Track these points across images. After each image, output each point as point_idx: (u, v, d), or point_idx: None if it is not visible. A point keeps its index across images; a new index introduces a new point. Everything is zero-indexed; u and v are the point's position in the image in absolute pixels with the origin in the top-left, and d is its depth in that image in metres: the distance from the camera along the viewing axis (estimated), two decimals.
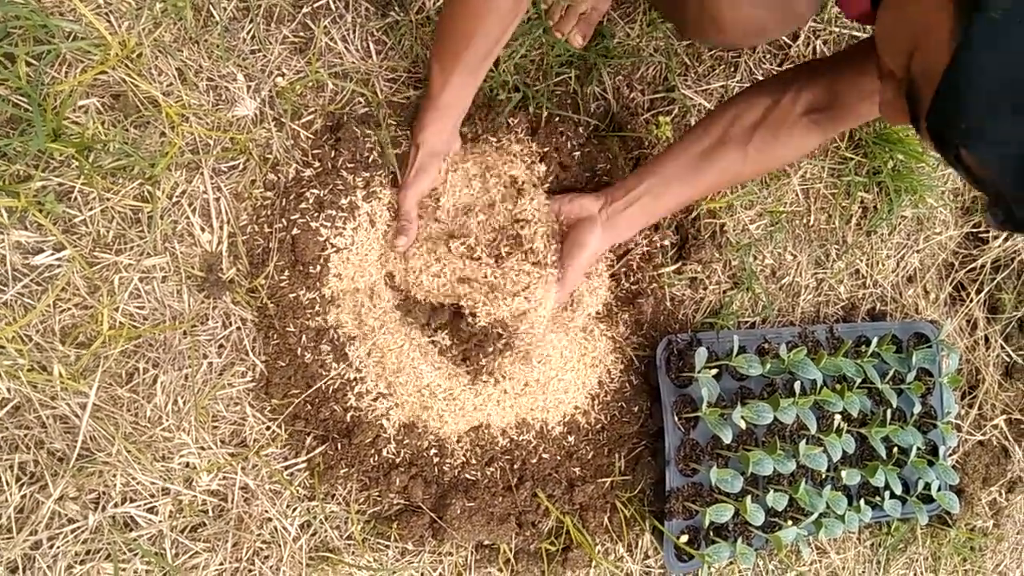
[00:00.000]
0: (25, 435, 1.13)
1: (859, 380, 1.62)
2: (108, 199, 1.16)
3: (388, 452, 1.32)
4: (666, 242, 1.51)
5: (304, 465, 1.29)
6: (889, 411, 1.65)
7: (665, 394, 1.45)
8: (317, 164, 1.29)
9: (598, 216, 1.34)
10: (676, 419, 1.46)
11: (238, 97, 1.24)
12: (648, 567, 1.54)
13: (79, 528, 1.15)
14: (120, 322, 1.18)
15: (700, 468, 1.47)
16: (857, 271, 1.81)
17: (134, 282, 1.19)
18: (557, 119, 1.42)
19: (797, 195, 1.70)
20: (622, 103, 1.52)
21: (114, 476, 1.17)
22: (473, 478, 1.37)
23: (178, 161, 1.20)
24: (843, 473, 1.57)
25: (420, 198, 1.33)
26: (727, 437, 1.42)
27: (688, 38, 1.52)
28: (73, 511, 1.15)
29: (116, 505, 1.17)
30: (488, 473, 1.38)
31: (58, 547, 1.14)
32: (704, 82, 1.60)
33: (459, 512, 1.33)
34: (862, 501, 1.62)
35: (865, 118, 1.25)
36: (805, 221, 1.72)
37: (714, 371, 1.47)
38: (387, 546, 1.34)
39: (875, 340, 1.65)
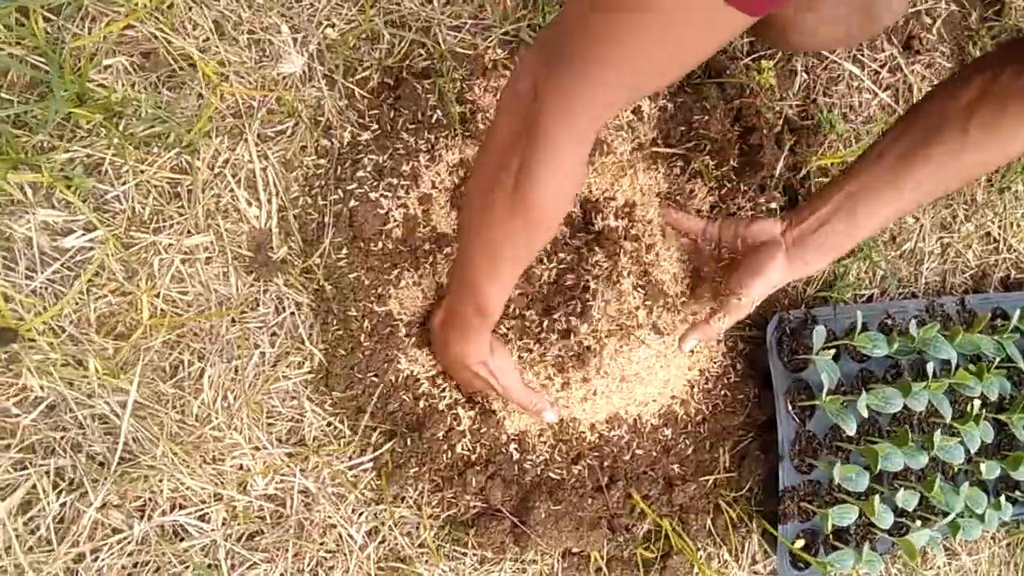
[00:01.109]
0: (61, 438, 1.01)
1: (998, 359, 1.41)
2: (142, 171, 1.03)
3: (463, 448, 1.17)
4: (773, 204, 1.31)
5: (370, 465, 1.15)
6: None
7: (777, 380, 1.26)
8: (375, 126, 1.13)
9: (782, 240, 1.09)
10: (789, 408, 1.28)
11: (283, 52, 1.09)
12: (756, 573, 1.37)
13: (124, 539, 1.04)
14: (161, 309, 1.05)
15: (818, 464, 1.28)
16: (988, 234, 1.58)
17: (175, 264, 1.06)
18: None
19: None
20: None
21: (160, 481, 1.05)
22: (558, 477, 1.21)
23: (219, 126, 1.06)
24: (982, 466, 1.36)
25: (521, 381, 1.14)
26: (851, 428, 1.22)
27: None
28: (117, 520, 1.03)
29: (164, 513, 1.05)
30: (575, 472, 1.22)
31: (103, 560, 1.02)
32: None
33: (543, 516, 1.18)
34: (1002, 497, 1.41)
35: None
36: None
37: (831, 352, 1.27)
38: (464, 554, 1.19)
39: (1017, 312, 1.42)
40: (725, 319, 1.12)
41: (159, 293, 1.05)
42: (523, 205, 0.80)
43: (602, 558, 1.24)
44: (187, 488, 1.06)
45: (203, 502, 1.07)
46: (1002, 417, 1.41)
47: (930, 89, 1.11)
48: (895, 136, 1.02)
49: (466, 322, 1.01)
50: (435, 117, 1.15)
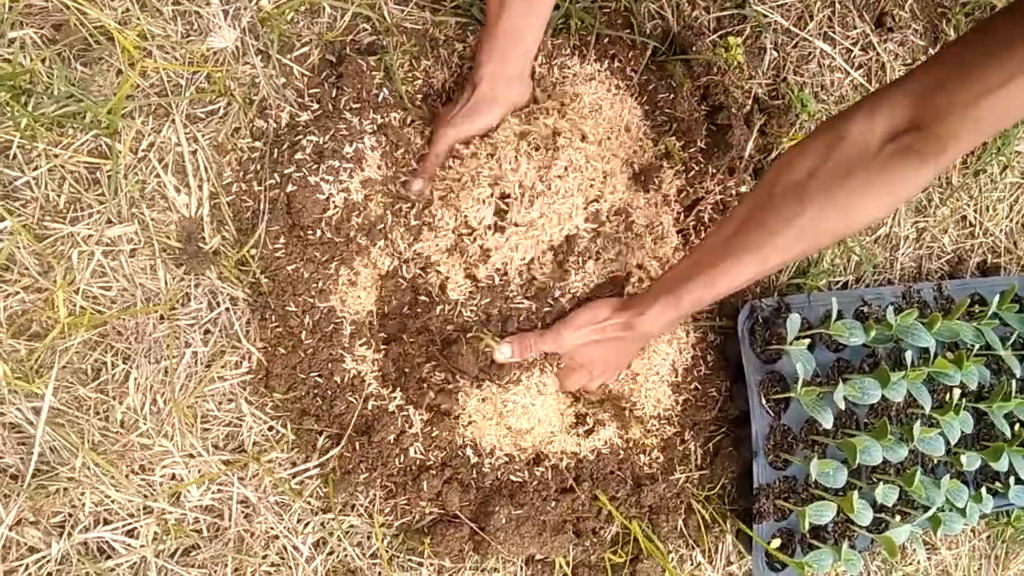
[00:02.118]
0: None
1: (976, 347, 1.35)
2: (56, 155, 0.94)
3: (416, 451, 1.09)
4: (743, 188, 1.24)
5: (316, 471, 1.07)
6: (1013, 382, 1.38)
7: (749, 371, 1.19)
8: (315, 106, 1.05)
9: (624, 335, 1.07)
10: (763, 401, 1.21)
11: (213, 25, 1.01)
12: (731, 574, 1.30)
13: (42, 558, 0.95)
14: (81, 307, 0.96)
15: (793, 459, 1.22)
16: (964, 218, 1.53)
17: (96, 257, 0.97)
18: (607, 40, 1.17)
19: None
20: (684, 22, 1.25)
21: (81, 494, 0.96)
22: (519, 480, 1.14)
23: (142, 106, 0.98)
24: (963, 458, 1.31)
25: (456, 142, 1.09)
26: (827, 421, 1.16)
27: None
28: (33, 538, 0.94)
29: (86, 529, 0.96)
30: (537, 473, 1.15)
31: None
32: None
33: (504, 521, 1.10)
34: (983, 489, 1.36)
35: (977, 139, 0.80)
36: None
37: (806, 342, 1.21)
38: (420, 564, 1.11)
39: (995, 298, 1.37)
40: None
41: (78, 289, 0.96)
42: None
43: (568, 564, 1.17)
44: (112, 501, 0.97)
45: (131, 516, 0.98)
46: (981, 406, 1.36)
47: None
48: (727, 217, 0.96)
49: (481, 32, 1.07)
50: (381, 96, 1.07)
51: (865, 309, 1.32)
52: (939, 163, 0.80)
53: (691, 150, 1.21)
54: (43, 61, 0.92)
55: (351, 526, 1.09)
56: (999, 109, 0.75)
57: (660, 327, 1.04)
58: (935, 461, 1.36)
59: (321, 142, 1.03)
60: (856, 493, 1.18)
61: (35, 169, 0.94)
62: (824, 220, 0.86)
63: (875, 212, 0.85)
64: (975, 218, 1.54)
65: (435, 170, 1.09)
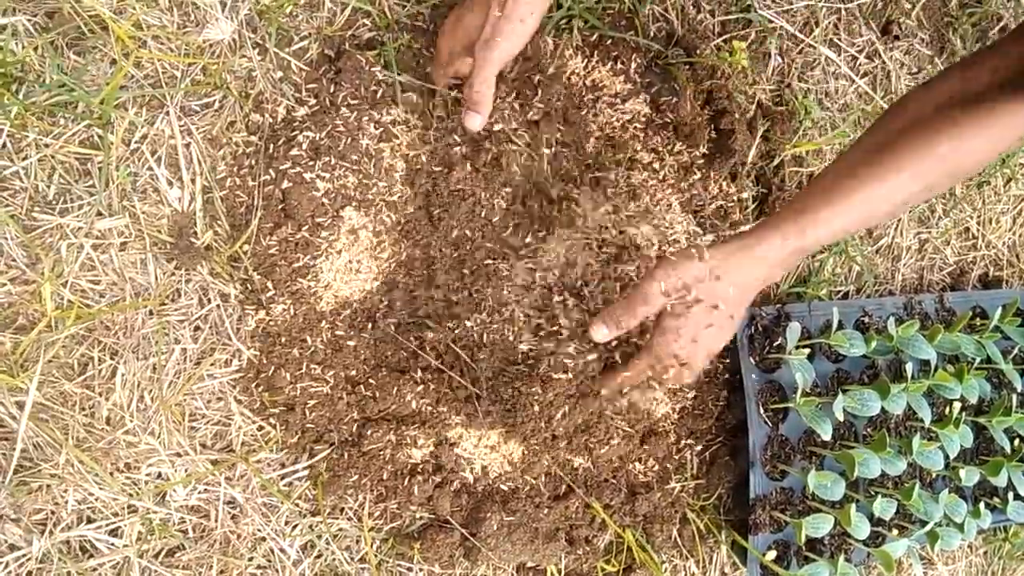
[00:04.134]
0: None
1: (978, 360, 1.34)
2: (47, 145, 0.92)
3: (407, 456, 1.07)
4: (745, 194, 1.23)
5: (305, 473, 1.05)
6: (1014, 396, 1.36)
7: (748, 380, 1.18)
8: (312, 101, 1.03)
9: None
10: (761, 411, 1.19)
11: (210, 16, 0.99)
12: None
13: (23, 556, 0.92)
14: (68, 300, 0.94)
15: (791, 470, 1.20)
16: (966, 230, 1.51)
17: (85, 250, 0.95)
18: (610, 42, 1.15)
19: None
20: (688, 25, 1.24)
21: (64, 492, 0.94)
22: (511, 486, 1.12)
23: (136, 97, 0.96)
24: (962, 472, 1.29)
25: (503, 65, 0.96)
26: (826, 432, 1.14)
27: None
28: (14, 536, 0.92)
29: (68, 527, 0.94)
30: (530, 480, 1.13)
31: None
32: (786, 0, 1.31)
33: (496, 528, 1.08)
34: (981, 504, 1.34)
35: None
36: None
37: (805, 351, 1.19)
38: (409, 569, 1.09)
39: (997, 311, 1.35)
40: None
41: (66, 282, 0.94)
42: None
43: (560, 572, 1.15)
44: (96, 499, 0.95)
45: (115, 515, 0.96)
46: (981, 420, 1.35)
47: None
48: (855, 147, 0.93)
49: None
50: (380, 92, 1.05)
51: (866, 320, 1.31)
52: None
53: (693, 155, 1.20)
54: (35, 49, 0.91)
55: (340, 529, 1.07)
56: None
57: (779, 263, 0.92)
58: (934, 475, 1.34)
59: (318, 138, 1.01)
60: (853, 506, 1.17)
61: (25, 159, 0.92)
62: (958, 148, 0.87)
63: (986, 155, 0.88)
64: (978, 230, 1.52)
65: (490, 99, 0.97)
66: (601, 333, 0.93)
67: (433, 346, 1.05)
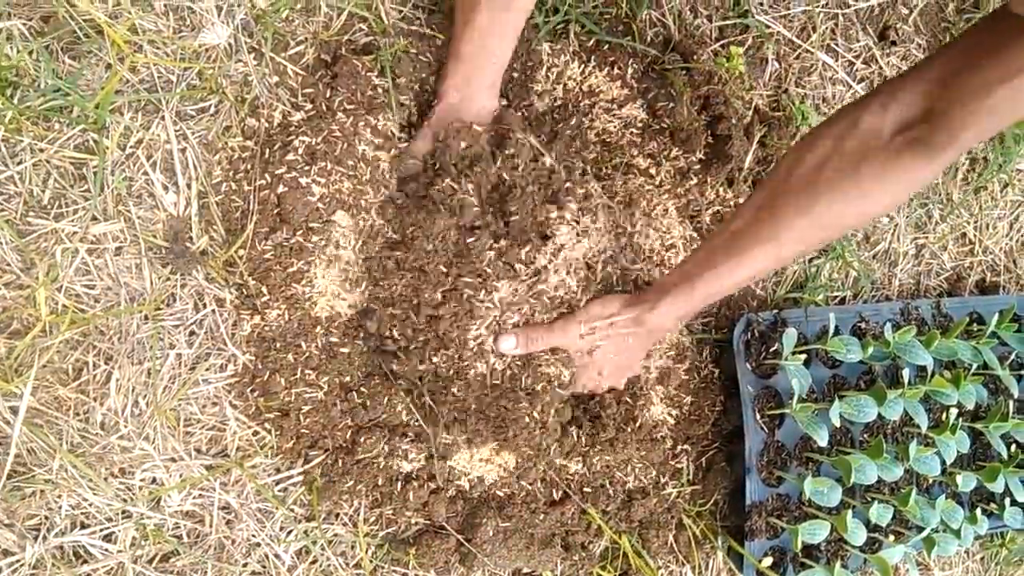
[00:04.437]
0: None
1: (974, 366, 1.33)
2: (42, 150, 0.92)
3: (402, 462, 1.07)
4: (741, 199, 1.23)
5: (300, 478, 1.05)
6: (1011, 402, 1.36)
7: (744, 386, 1.18)
8: (308, 106, 1.03)
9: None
10: (757, 417, 1.19)
11: (206, 21, 0.99)
12: None
13: (16, 562, 0.92)
14: (63, 305, 0.94)
15: (787, 476, 1.20)
16: (964, 235, 1.52)
17: (80, 255, 0.95)
18: (607, 47, 1.15)
19: None
20: (685, 31, 1.24)
21: (58, 497, 0.94)
22: (507, 492, 1.11)
23: (131, 101, 0.96)
24: (958, 478, 1.29)
25: (423, 155, 1.08)
26: (822, 439, 1.14)
27: None
28: (7, 541, 0.92)
29: (62, 533, 0.94)
30: (526, 485, 1.12)
31: None
32: (783, 5, 1.32)
33: (492, 534, 1.08)
34: (978, 510, 1.34)
35: (989, 129, 0.81)
36: None
37: (802, 357, 1.19)
38: (404, 575, 1.09)
39: (994, 317, 1.35)
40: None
41: (61, 287, 0.94)
42: None
43: None
44: (90, 505, 0.95)
45: (109, 520, 0.96)
46: (978, 426, 1.34)
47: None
48: (736, 211, 0.97)
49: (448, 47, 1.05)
50: (376, 98, 1.05)
51: (863, 325, 1.30)
52: (948, 155, 0.82)
53: (689, 160, 1.20)
54: (30, 53, 0.90)
55: (335, 535, 1.07)
56: (1014, 98, 0.75)
57: (671, 321, 1.03)
58: (930, 481, 1.34)
59: (314, 143, 1.01)
60: (850, 512, 1.16)
61: (19, 163, 0.92)
62: (835, 210, 0.87)
63: (885, 203, 0.88)
64: (975, 236, 1.52)
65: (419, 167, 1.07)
66: (509, 344, 1.01)
67: (402, 377, 1.05)
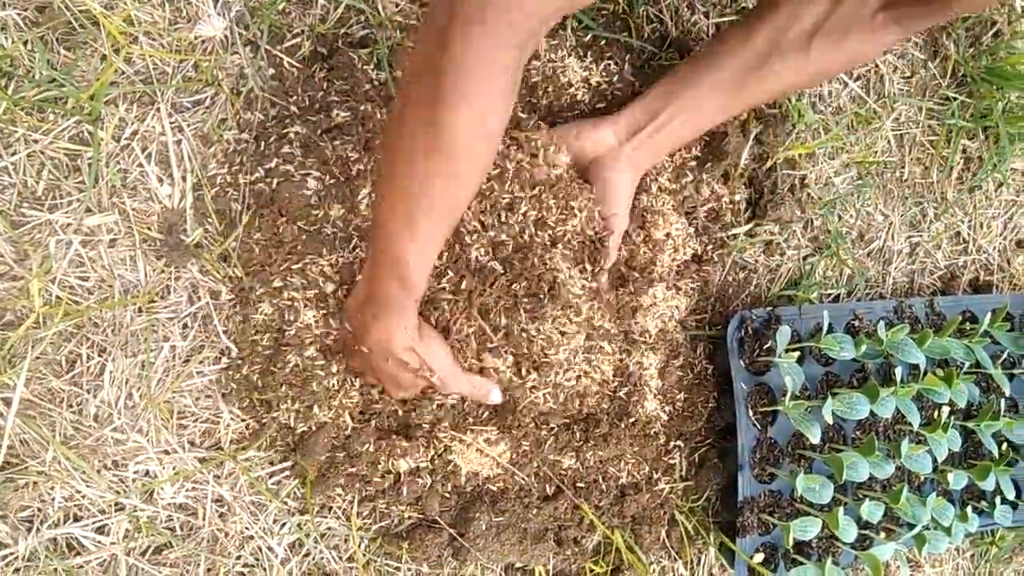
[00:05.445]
0: None
1: (967, 365, 1.34)
2: (36, 141, 0.92)
3: (394, 458, 1.07)
4: (737, 197, 1.23)
5: (293, 472, 1.05)
6: (1002, 401, 1.37)
7: (737, 383, 1.18)
8: (304, 99, 1.03)
9: (620, 150, 1.05)
10: (750, 413, 1.19)
11: (202, 13, 0.98)
12: None
13: (9, 554, 0.92)
14: (57, 297, 0.94)
15: (779, 473, 1.20)
16: (957, 234, 1.52)
17: (74, 247, 0.95)
18: (604, 43, 1.15)
19: (889, 142, 1.40)
20: (682, 27, 1.24)
21: (51, 489, 0.94)
22: (500, 487, 1.12)
23: (126, 93, 0.95)
24: (950, 476, 1.30)
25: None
26: (815, 436, 1.14)
27: None
28: (1, 533, 0.92)
29: (55, 525, 0.94)
30: (519, 480, 1.13)
31: None
32: None
33: (484, 528, 1.08)
34: (968, 508, 1.35)
35: (963, 7, 0.99)
36: (898, 174, 1.43)
37: (795, 354, 1.20)
38: (397, 569, 1.09)
39: (987, 316, 1.36)
40: (607, 262, 1.07)
41: (54, 278, 0.94)
42: (437, 140, 0.71)
43: (548, 573, 1.15)
44: (83, 497, 0.95)
45: (102, 512, 0.96)
46: (969, 424, 1.35)
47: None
48: (733, 48, 1.02)
49: (387, 297, 0.85)
50: (372, 90, 1.04)
51: (856, 323, 1.31)
52: (909, 33, 1.05)
53: (685, 156, 1.20)
54: (25, 44, 0.90)
55: (328, 528, 1.07)
56: None
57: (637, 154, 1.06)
58: (922, 479, 1.35)
59: (309, 135, 1.01)
60: (841, 509, 1.17)
61: (13, 154, 0.91)
62: (814, 73, 1.01)
63: (851, 67, 1.11)
64: (969, 235, 1.52)
65: (477, 384, 0.99)
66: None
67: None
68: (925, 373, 1.27)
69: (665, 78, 1.06)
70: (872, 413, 1.19)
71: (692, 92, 1.03)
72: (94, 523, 0.96)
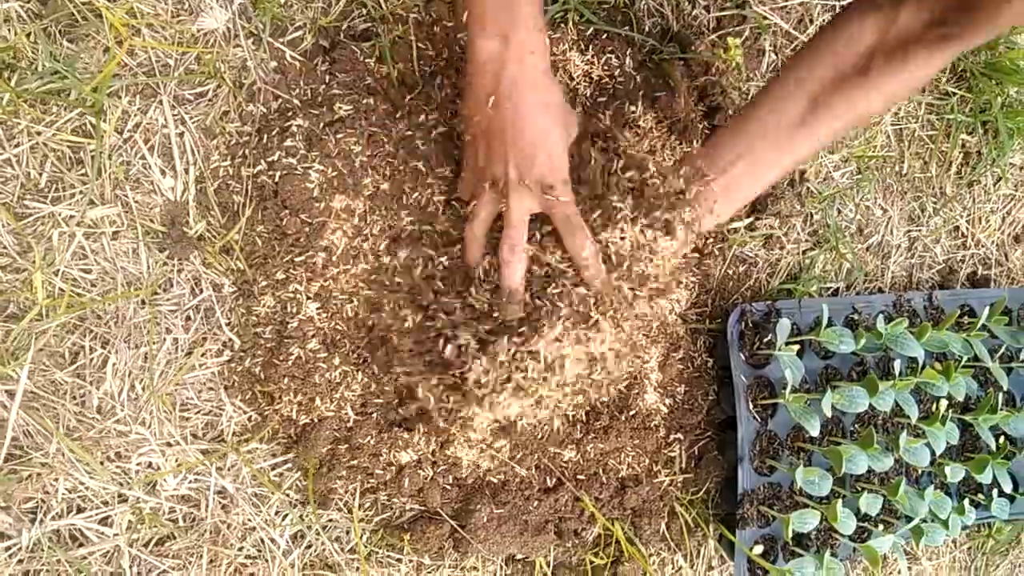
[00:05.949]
0: None
1: (965, 358, 1.35)
2: (39, 133, 0.92)
3: (397, 450, 1.07)
4: None
5: (295, 464, 1.05)
6: (1000, 395, 1.37)
7: (738, 376, 1.18)
8: (306, 92, 1.03)
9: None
10: (750, 406, 1.20)
11: (204, 6, 0.98)
12: None
13: (13, 545, 0.93)
14: (60, 289, 0.94)
15: (779, 466, 1.21)
16: (956, 228, 1.52)
17: (77, 239, 0.95)
18: (605, 36, 1.15)
19: (889, 137, 1.41)
20: (683, 21, 1.24)
21: (55, 481, 0.94)
22: (501, 479, 1.12)
23: (129, 85, 0.95)
24: (947, 469, 1.30)
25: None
26: (814, 428, 1.15)
27: None
28: (4, 524, 0.92)
29: (59, 516, 0.94)
30: (520, 472, 1.13)
31: None
32: None
33: (486, 520, 1.09)
34: (965, 501, 1.35)
35: (1004, 24, 0.91)
36: (897, 169, 1.44)
37: (795, 348, 1.20)
38: (399, 560, 1.10)
39: (986, 310, 1.36)
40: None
41: (57, 271, 0.94)
42: None
43: (548, 565, 1.16)
44: (86, 488, 0.95)
45: (105, 504, 0.96)
46: (967, 418, 1.36)
47: (823, 25, 1.03)
48: (793, 82, 0.97)
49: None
50: (374, 83, 1.05)
51: (855, 317, 1.31)
52: (956, 54, 0.93)
53: (687, 150, 1.20)
54: (28, 36, 0.90)
55: (330, 520, 1.07)
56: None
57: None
58: (920, 472, 1.35)
59: (311, 128, 1.01)
60: (840, 502, 1.17)
61: (17, 146, 0.91)
62: (880, 97, 0.94)
63: (911, 92, 0.99)
64: (967, 229, 1.53)
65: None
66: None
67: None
68: (923, 367, 1.27)
69: (733, 124, 1.02)
70: (871, 406, 1.19)
71: (756, 147, 0.99)
72: (97, 514, 0.96)
